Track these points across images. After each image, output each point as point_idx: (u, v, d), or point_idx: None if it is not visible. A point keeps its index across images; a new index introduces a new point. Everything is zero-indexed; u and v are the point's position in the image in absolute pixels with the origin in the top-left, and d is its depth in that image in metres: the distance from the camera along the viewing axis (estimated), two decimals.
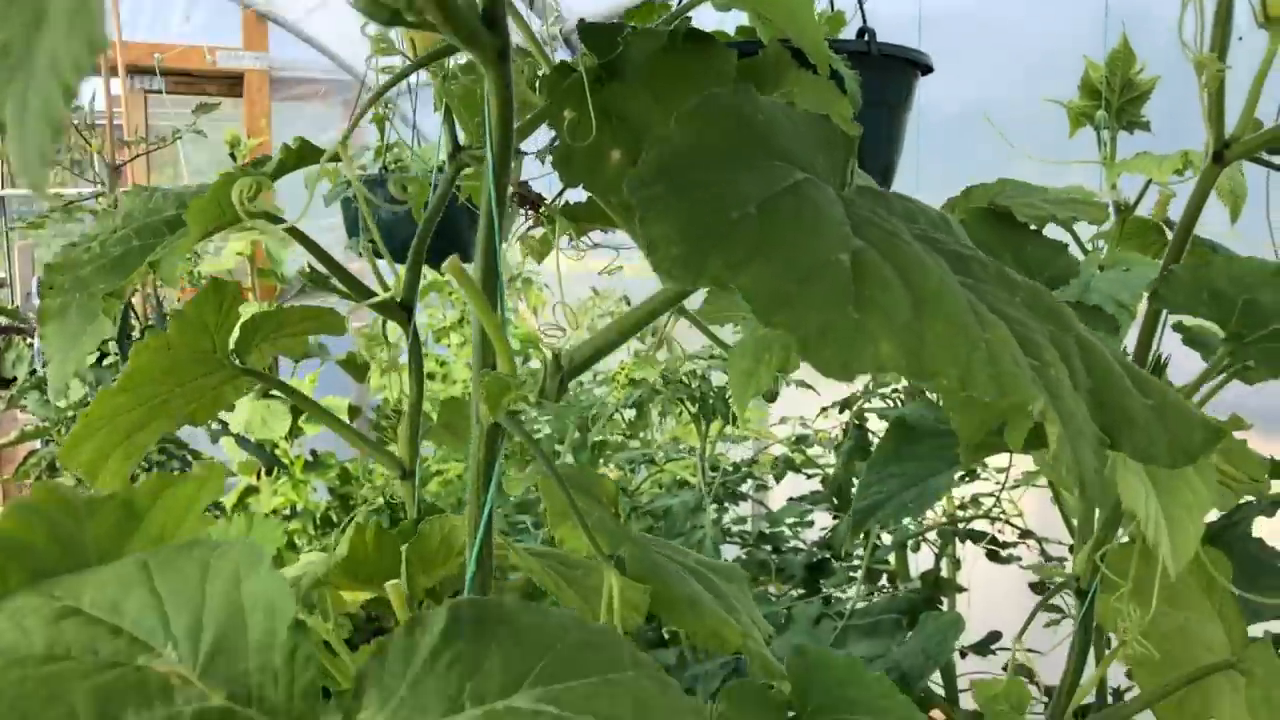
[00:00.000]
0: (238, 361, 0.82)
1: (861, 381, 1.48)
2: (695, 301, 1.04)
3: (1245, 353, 0.49)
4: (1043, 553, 1.60)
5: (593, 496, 0.75)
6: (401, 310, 0.78)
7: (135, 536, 0.36)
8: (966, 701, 1.56)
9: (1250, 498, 0.93)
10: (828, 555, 1.56)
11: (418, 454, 0.81)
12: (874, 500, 1.04)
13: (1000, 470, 1.65)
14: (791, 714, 0.63)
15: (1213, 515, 0.97)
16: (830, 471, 1.72)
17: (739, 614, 0.74)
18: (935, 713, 1.41)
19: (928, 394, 1.34)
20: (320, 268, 0.78)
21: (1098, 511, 0.75)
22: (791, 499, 1.59)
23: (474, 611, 0.35)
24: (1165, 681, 0.81)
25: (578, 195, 0.95)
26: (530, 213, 0.82)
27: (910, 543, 1.59)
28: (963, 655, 1.46)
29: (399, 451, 0.82)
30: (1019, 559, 1.74)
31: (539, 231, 1.03)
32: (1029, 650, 1.18)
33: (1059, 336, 0.38)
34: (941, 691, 1.47)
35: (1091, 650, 0.99)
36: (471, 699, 0.33)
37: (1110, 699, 1.25)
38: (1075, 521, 0.85)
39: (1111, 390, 0.37)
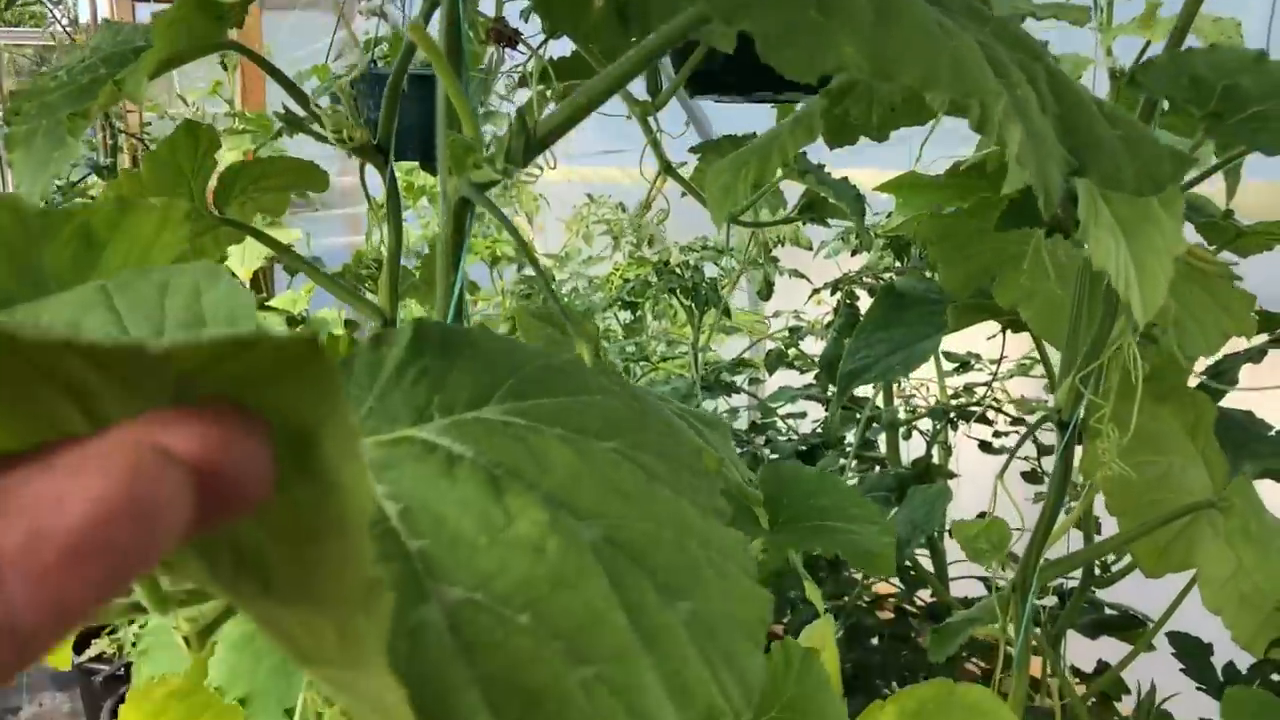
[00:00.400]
0: (217, 213, 0.81)
1: (854, 264, 1.48)
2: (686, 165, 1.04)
3: (1222, 130, 0.48)
4: (1035, 441, 1.60)
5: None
6: (379, 153, 0.78)
7: (95, 270, 0.36)
8: (957, 590, 1.58)
9: (1244, 344, 0.93)
10: (819, 443, 1.56)
11: (398, 303, 0.81)
12: (861, 363, 1.04)
13: (993, 361, 1.66)
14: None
15: (1200, 365, 0.98)
16: None
17: (719, 454, 0.74)
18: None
19: (921, 270, 1.34)
20: (297, 109, 0.77)
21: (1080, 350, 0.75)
22: (784, 388, 1.59)
23: (439, 331, 0.35)
24: (1145, 524, 0.81)
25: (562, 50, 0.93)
26: (508, 49, 0.80)
27: (902, 431, 1.60)
28: (951, 535, 1.47)
29: (380, 301, 0.81)
30: (1010, 448, 1.75)
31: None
32: (1017, 529, 1.19)
33: (1027, 63, 0.37)
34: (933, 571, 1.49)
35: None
36: (440, 410, 0.33)
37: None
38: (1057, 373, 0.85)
39: (1080, 117, 0.37)
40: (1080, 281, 0.76)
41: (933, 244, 0.88)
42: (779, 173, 0.97)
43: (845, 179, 0.94)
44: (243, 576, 0.22)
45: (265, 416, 0.20)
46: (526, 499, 0.30)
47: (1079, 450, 0.93)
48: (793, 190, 1.14)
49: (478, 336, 0.36)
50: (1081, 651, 1.41)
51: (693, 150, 1.06)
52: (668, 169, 0.95)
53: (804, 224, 1.01)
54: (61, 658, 0.93)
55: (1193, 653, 1.08)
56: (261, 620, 0.23)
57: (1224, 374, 0.95)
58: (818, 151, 1.01)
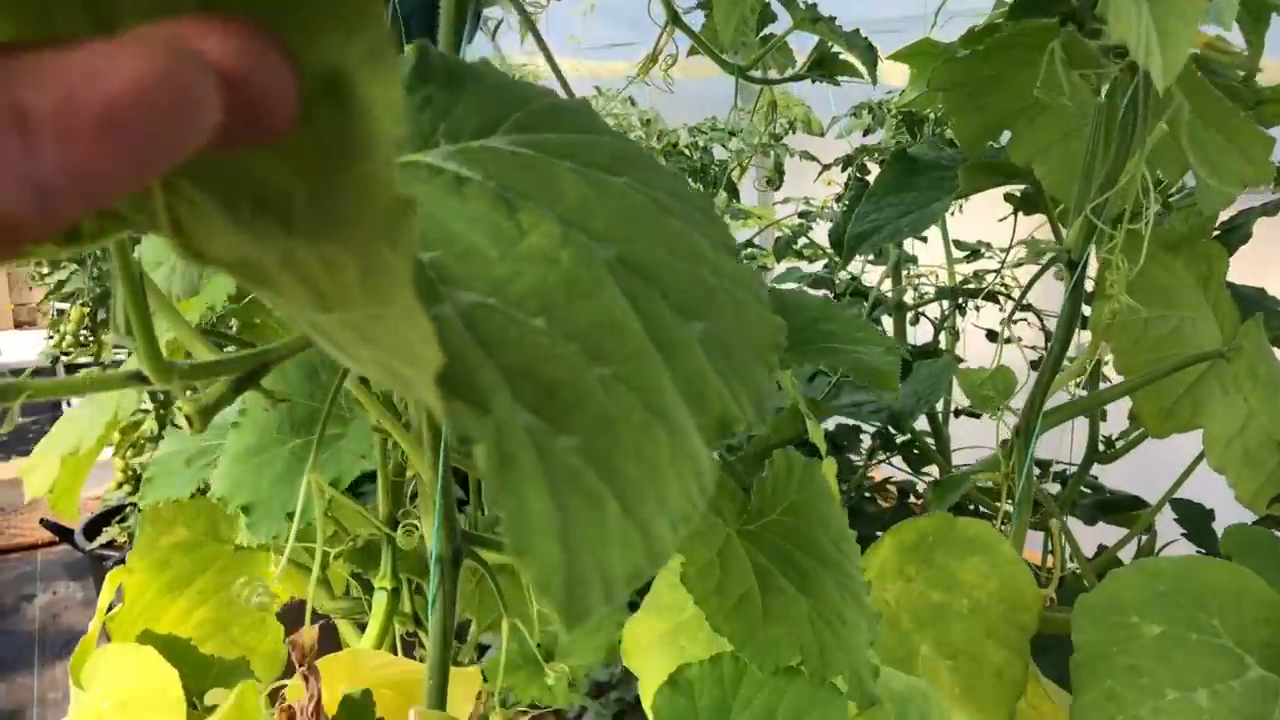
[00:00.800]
0: None
1: (866, 141, 1.46)
2: (695, 21, 1.01)
3: None
4: (1043, 328, 1.60)
5: None
6: None
7: None
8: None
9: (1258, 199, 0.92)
10: None
11: None
12: (870, 225, 1.03)
13: (1003, 249, 1.65)
14: None
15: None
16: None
17: None
18: None
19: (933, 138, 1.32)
20: None
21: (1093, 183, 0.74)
22: (791, 269, 1.58)
23: (442, 61, 0.34)
24: (1151, 372, 0.81)
25: None
26: None
27: (910, 316, 1.59)
28: (956, 415, 1.48)
29: None
30: (1019, 339, 1.75)
31: None
32: (1016, 412, 1.19)
33: None
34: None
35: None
36: (445, 137, 0.33)
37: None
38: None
39: None
40: (1096, 121, 0.75)
41: (946, 91, 0.86)
42: (790, 25, 0.95)
43: (857, 30, 0.92)
44: (263, 218, 0.22)
45: (293, 39, 0.19)
46: (539, 216, 0.30)
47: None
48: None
49: (482, 70, 0.35)
50: (1081, 541, 1.42)
51: (700, 6, 1.04)
52: (675, 19, 0.93)
53: (814, 82, 0.99)
54: (68, 509, 0.94)
55: (1195, 519, 1.09)
56: (282, 266, 0.23)
57: (1238, 229, 0.94)
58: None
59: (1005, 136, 1.01)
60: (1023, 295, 1.04)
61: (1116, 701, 0.61)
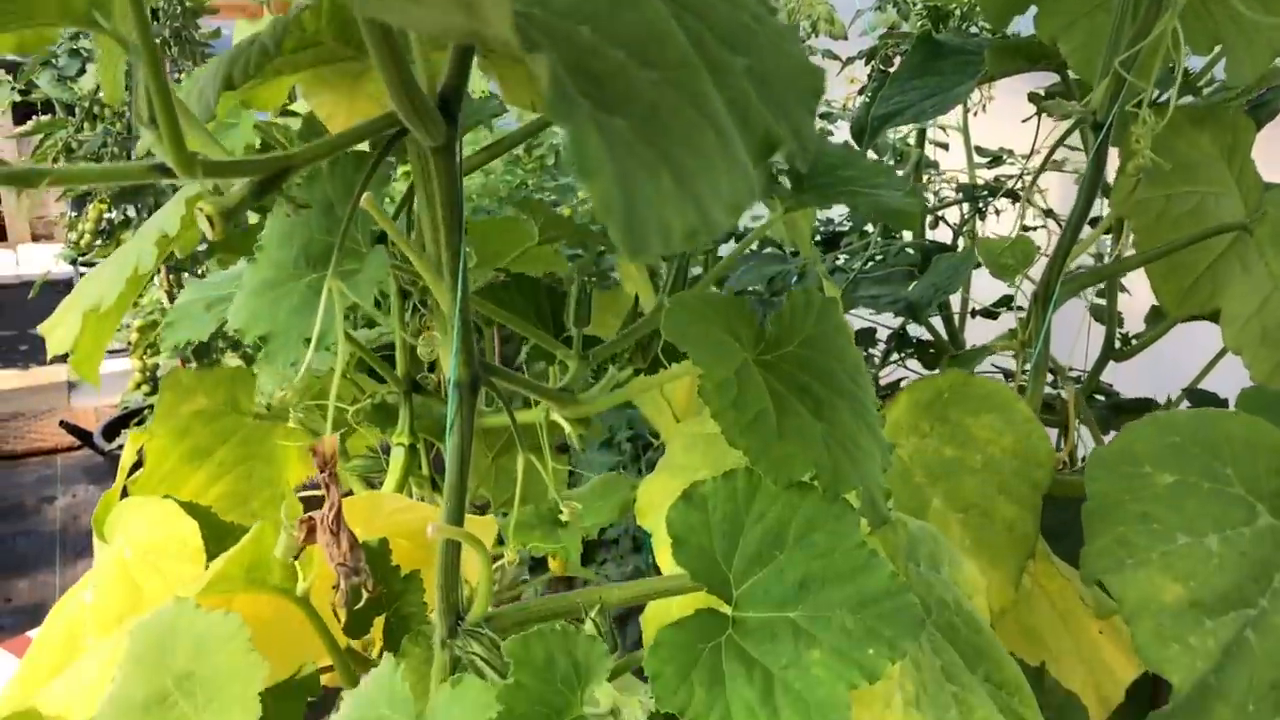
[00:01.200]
0: None
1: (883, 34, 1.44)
2: None
3: None
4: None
5: None
6: None
7: None
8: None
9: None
10: (844, 230, 1.55)
11: None
12: (894, 108, 1.02)
13: (1025, 156, 1.63)
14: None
15: None
16: None
17: None
18: None
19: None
20: None
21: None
22: None
23: None
24: (1173, 242, 0.80)
25: None
26: None
27: (929, 219, 1.58)
28: (973, 315, 1.47)
29: None
30: (1039, 248, 1.74)
31: None
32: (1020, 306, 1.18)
33: None
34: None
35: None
36: None
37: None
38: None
39: None
40: None
41: None
42: None
43: None
44: None
45: None
46: None
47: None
48: None
49: None
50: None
51: None
52: None
53: None
54: (90, 373, 0.95)
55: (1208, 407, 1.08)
56: None
57: (1266, 105, 0.92)
58: None
59: (1028, 28, 1.00)
60: (1038, 174, 1.03)
61: (1127, 546, 0.61)
